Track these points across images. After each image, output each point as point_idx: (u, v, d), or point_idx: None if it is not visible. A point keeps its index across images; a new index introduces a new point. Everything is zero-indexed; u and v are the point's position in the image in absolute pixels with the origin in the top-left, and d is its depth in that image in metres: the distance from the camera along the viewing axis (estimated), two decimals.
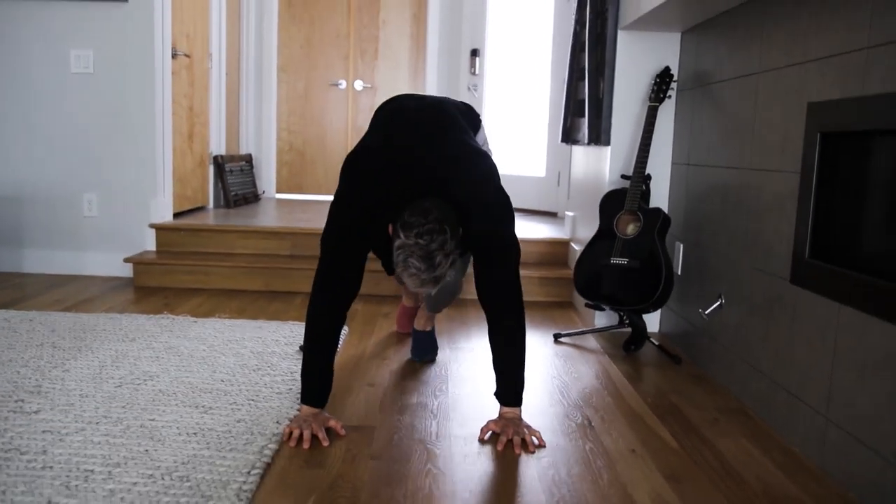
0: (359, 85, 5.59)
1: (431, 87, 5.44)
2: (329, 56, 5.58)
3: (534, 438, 1.89)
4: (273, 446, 1.79)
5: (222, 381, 2.23)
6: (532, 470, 1.76)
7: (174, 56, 3.93)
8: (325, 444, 1.81)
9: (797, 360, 1.95)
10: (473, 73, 5.29)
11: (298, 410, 1.99)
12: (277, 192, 5.61)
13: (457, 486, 1.67)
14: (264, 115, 5.48)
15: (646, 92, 2.98)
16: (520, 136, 5.12)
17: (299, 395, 2.10)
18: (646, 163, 2.77)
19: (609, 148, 3.04)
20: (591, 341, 2.93)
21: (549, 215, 4.93)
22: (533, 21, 4.97)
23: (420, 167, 1.84)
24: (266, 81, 5.45)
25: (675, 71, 2.95)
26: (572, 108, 3.59)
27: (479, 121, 2.25)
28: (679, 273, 2.86)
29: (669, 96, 2.87)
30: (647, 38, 2.95)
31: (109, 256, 3.81)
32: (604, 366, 2.62)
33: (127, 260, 3.62)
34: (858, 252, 1.75)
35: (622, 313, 2.81)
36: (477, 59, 5.25)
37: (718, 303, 2.46)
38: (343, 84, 5.59)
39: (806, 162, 1.93)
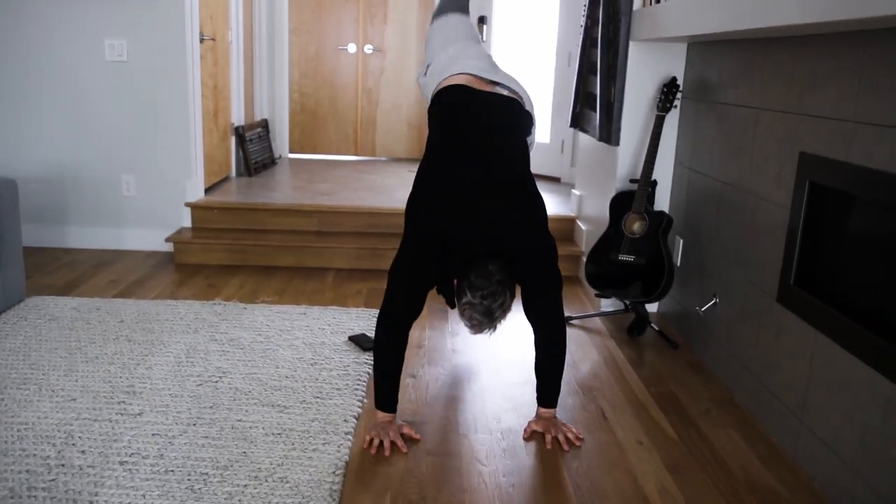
0: (368, 49, 5.75)
1: None
2: (340, 20, 5.71)
3: (569, 435, 2.26)
4: (347, 444, 2.16)
5: (287, 377, 2.59)
6: (559, 462, 2.15)
7: (202, 41, 4.10)
8: (404, 451, 2.16)
9: (781, 367, 2.33)
10: (481, 40, 5.46)
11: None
12: (290, 152, 5.85)
13: (501, 479, 2.06)
14: (277, 79, 5.64)
15: (652, 98, 3.24)
16: None
17: (356, 392, 2.48)
18: (653, 168, 3.07)
19: (618, 148, 3.33)
20: (598, 323, 3.30)
21: (553, 180, 5.23)
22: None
23: (480, 226, 2.10)
24: (278, 46, 5.59)
25: (680, 79, 3.21)
26: (582, 98, 3.85)
27: (531, 119, 2.39)
28: (678, 264, 3.20)
29: (676, 106, 3.15)
30: (655, 48, 3.19)
31: (149, 233, 4.10)
32: (611, 350, 3.00)
33: (168, 240, 3.92)
34: (834, 289, 2.10)
35: (627, 302, 3.17)
36: (484, 26, 5.42)
37: (713, 301, 2.83)
38: (353, 48, 5.75)
39: (796, 203, 2.25)
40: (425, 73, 2.54)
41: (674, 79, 3.10)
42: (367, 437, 2.20)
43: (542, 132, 5.27)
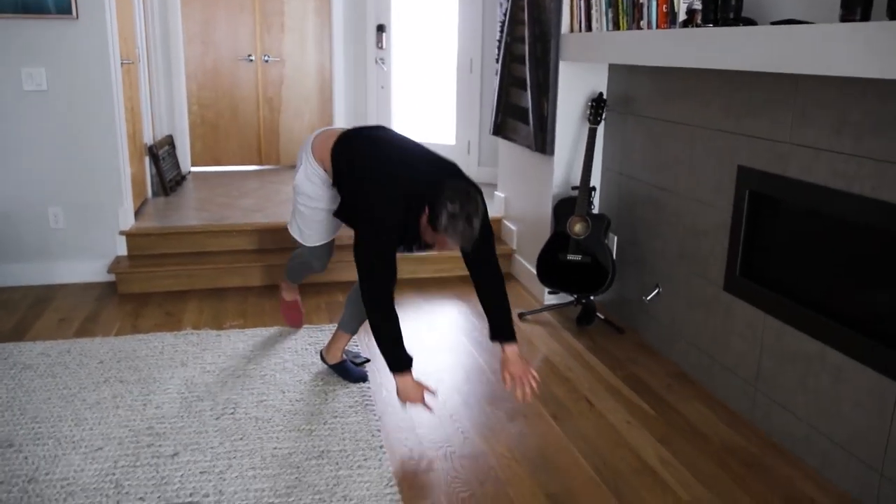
0: (266, 58, 5.75)
1: (339, 61, 5.73)
2: (236, 30, 5.67)
3: (533, 384, 2.47)
4: (386, 457, 2.36)
5: (297, 401, 2.73)
6: (569, 444, 2.48)
7: (122, 65, 4.01)
8: (436, 397, 2.63)
9: (731, 344, 2.79)
10: (380, 48, 5.64)
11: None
12: (193, 165, 5.75)
13: (529, 464, 2.35)
14: (175, 92, 5.52)
15: (581, 111, 3.62)
16: (429, 106, 5.60)
17: (367, 407, 2.68)
18: (590, 175, 3.45)
19: (553, 157, 3.68)
20: (548, 317, 3.66)
21: None
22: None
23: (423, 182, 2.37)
24: (174, 58, 5.47)
25: (605, 94, 3.60)
26: (505, 109, 4.17)
27: None
28: (615, 258, 3.62)
29: (605, 118, 3.54)
30: (581, 66, 3.56)
31: (82, 265, 3.98)
32: (569, 341, 3.37)
33: (111, 270, 3.84)
34: (775, 274, 2.56)
35: (576, 296, 3.55)
36: (383, 34, 5.60)
37: (656, 291, 3.26)
38: (252, 57, 5.73)
39: (737, 208, 2.70)
40: None
41: (601, 94, 3.49)
42: (403, 401, 2.48)
43: (448, 134, 5.55)
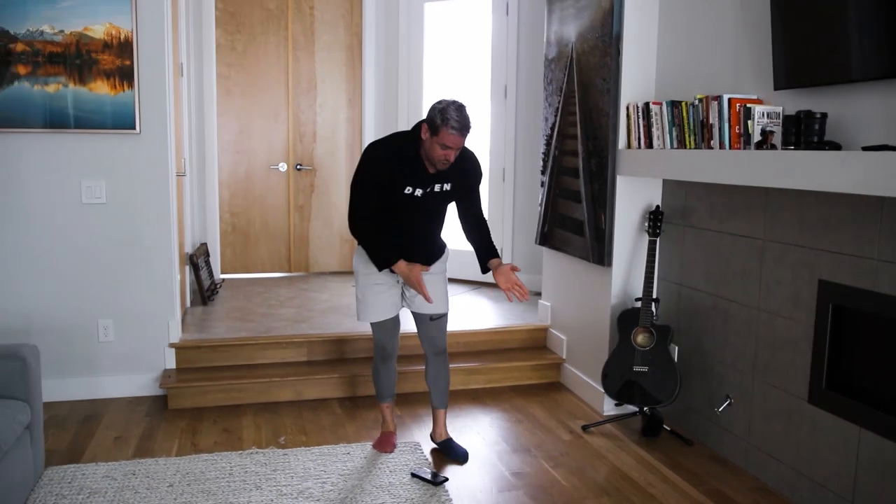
0: (298, 167, 5.87)
1: None
2: (269, 139, 5.80)
3: (523, 289, 2.94)
4: None
5: None
6: None
7: (177, 177, 4.07)
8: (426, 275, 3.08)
9: (820, 458, 2.76)
10: None
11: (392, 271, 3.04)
12: (222, 272, 5.74)
13: None
14: (208, 201, 5.58)
15: (638, 222, 3.70)
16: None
17: None
18: (653, 287, 3.49)
19: (611, 269, 3.73)
20: (611, 429, 3.62)
21: (491, 286, 5.57)
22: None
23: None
24: (209, 167, 5.56)
25: (660, 204, 3.70)
26: (552, 220, 4.25)
27: None
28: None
29: (664, 230, 3.62)
30: (636, 180, 3.67)
31: (129, 378, 3.89)
32: (641, 455, 3.31)
33: (162, 385, 3.76)
34: (867, 387, 2.57)
35: (645, 408, 3.52)
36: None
37: (728, 402, 3.25)
38: (283, 167, 5.84)
39: (819, 321, 2.73)
40: None
41: (657, 207, 3.58)
42: (407, 281, 3.00)
43: None
